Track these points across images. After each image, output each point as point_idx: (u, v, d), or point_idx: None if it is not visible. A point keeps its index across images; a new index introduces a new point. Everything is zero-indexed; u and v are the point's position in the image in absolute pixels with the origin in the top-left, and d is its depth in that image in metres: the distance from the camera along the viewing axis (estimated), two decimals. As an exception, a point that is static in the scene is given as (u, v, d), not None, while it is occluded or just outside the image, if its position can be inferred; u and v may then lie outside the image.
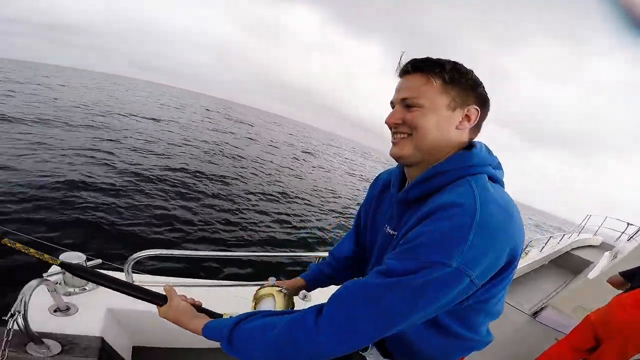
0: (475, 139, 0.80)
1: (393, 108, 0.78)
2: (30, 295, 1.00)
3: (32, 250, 0.86)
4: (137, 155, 9.39)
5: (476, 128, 0.78)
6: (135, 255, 1.43)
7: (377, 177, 1.05)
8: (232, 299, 1.69)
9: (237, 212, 6.97)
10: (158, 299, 0.84)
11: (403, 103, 0.76)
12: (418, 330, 0.78)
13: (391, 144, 0.80)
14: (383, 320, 0.63)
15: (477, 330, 0.81)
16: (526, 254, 5.30)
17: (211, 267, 4.36)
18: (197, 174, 8.87)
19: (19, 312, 0.97)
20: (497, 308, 0.82)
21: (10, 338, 0.95)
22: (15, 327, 0.97)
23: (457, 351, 0.85)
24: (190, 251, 1.76)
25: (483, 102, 0.77)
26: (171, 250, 1.56)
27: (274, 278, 1.07)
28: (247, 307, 0.92)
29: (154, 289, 0.87)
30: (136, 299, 0.84)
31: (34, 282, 1.04)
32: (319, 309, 0.68)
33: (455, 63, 0.75)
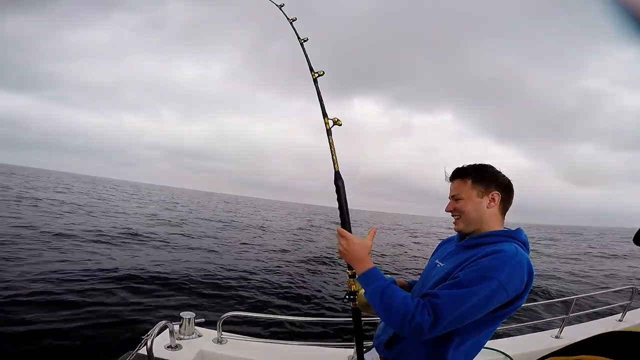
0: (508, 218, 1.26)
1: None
2: (156, 331, 1.62)
3: None
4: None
5: (503, 203, 1.23)
6: (225, 315, 2.06)
7: (440, 243, 1.49)
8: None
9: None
10: (350, 230, 1.25)
11: (453, 198, 1.26)
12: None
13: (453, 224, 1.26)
14: (469, 314, 1.01)
15: (459, 355, 1.13)
16: None
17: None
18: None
19: (147, 340, 1.56)
20: (481, 344, 1.18)
21: (133, 357, 1.59)
22: (142, 351, 1.58)
23: None
24: (271, 315, 2.30)
25: (504, 186, 1.23)
26: (257, 313, 2.15)
27: None
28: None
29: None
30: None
31: (161, 323, 1.71)
32: (425, 304, 1.03)
33: (479, 166, 1.25)
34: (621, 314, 3.08)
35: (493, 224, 1.20)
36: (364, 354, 1.37)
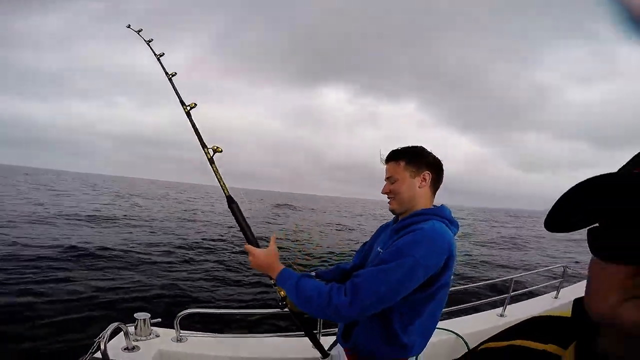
0: (436, 200, 1.32)
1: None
2: (109, 332, 1.55)
3: None
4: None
5: (434, 183, 1.30)
6: (182, 313, 1.99)
7: (379, 227, 1.55)
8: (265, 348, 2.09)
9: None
10: (257, 244, 1.34)
11: (389, 180, 1.31)
12: (370, 320, 1.19)
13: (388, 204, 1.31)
14: (389, 292, 1.06)
15: (410, 335, 1.20)
16: None
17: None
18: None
19: (100, 342, 1.50)
20: (430, 325, 1.26)
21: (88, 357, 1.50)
22: (97, 355, 1.50)
23: (388, 348, 1.21)
24: (229, 310, 2.26)
25: (435, 166, 1.29)
26: (214, 309, 2.10)
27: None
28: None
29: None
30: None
31: (113, 324, 1.62)
32: (341, 287, 1.09)
33: (412, 148, 1.30)
34: (556, 291, 3.40)
35: (423, 203, 1.26)
36: (332, 349, 1.42)
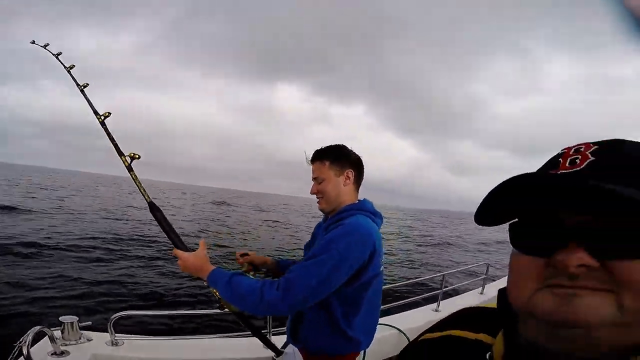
0: (361, 196, 1.38)
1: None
2: (31, 336, 1.38)
3: None
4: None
5: (357, 180, 1.36)
6: (116, 315, 1.83)
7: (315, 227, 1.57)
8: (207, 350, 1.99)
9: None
10: (186, 248, 1.31)
11: (316, 181, 1.34)
12: (315, 317, 1.23)
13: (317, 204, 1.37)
14: (320, 284, 1.09)
15: (355, 329, 1.25)
16: None
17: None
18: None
19: (22, 347, 1.33)
20: (373, 315, 1.31)
21: None
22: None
23: (337, 343, 1.25)
24: (169, 311, 2.12)
25: (356, 164, 1.35)
26: (149, 310, 1.98)
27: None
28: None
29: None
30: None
31: (35, 328, 1.45)
32: (273, 282, 1.12)
33: (335, 147, 1.35)
34: (481, 287, 3.75)
35: (349, 200, 1.34)
36: (287, 346, 1.43)
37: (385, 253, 1.39)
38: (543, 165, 0.41)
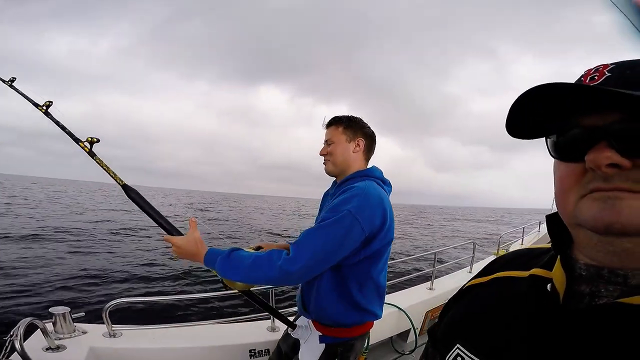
0: (372, 162, 1.38)
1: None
2: (22, 330, 1.28)
3: None
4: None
5: (367, 150, 1.36)
6: (110, 304, 1.74)
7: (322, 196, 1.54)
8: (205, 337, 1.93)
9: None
10: (178, 232, 1.23)
11: (326, 143, 1.34)
12: (327, 287, 1.22)
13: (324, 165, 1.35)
14: (331, 246, 1.07)
15: (367, 297, 1.25)
16: (505, 251, 5.38)
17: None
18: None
19: (14, 341, 1.24)
20: (383, 283, 1.30)
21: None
22: (15, 357, 1.25)
23: (351, 314, 1.25)
24: (164, 297, 2.02)
25: (369, 135, 1.35)
26: (144, 297, 1.88)
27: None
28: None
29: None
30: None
31: (25, 320, 1.34)
32: (279, 250, 1.08)
33: (349, 116, 1.35)
34: (469, 266, 3.83)
35: (357, 167, 1.33)
36: (297, 320, 1.40)
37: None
38: (579, 77, 0.40)
